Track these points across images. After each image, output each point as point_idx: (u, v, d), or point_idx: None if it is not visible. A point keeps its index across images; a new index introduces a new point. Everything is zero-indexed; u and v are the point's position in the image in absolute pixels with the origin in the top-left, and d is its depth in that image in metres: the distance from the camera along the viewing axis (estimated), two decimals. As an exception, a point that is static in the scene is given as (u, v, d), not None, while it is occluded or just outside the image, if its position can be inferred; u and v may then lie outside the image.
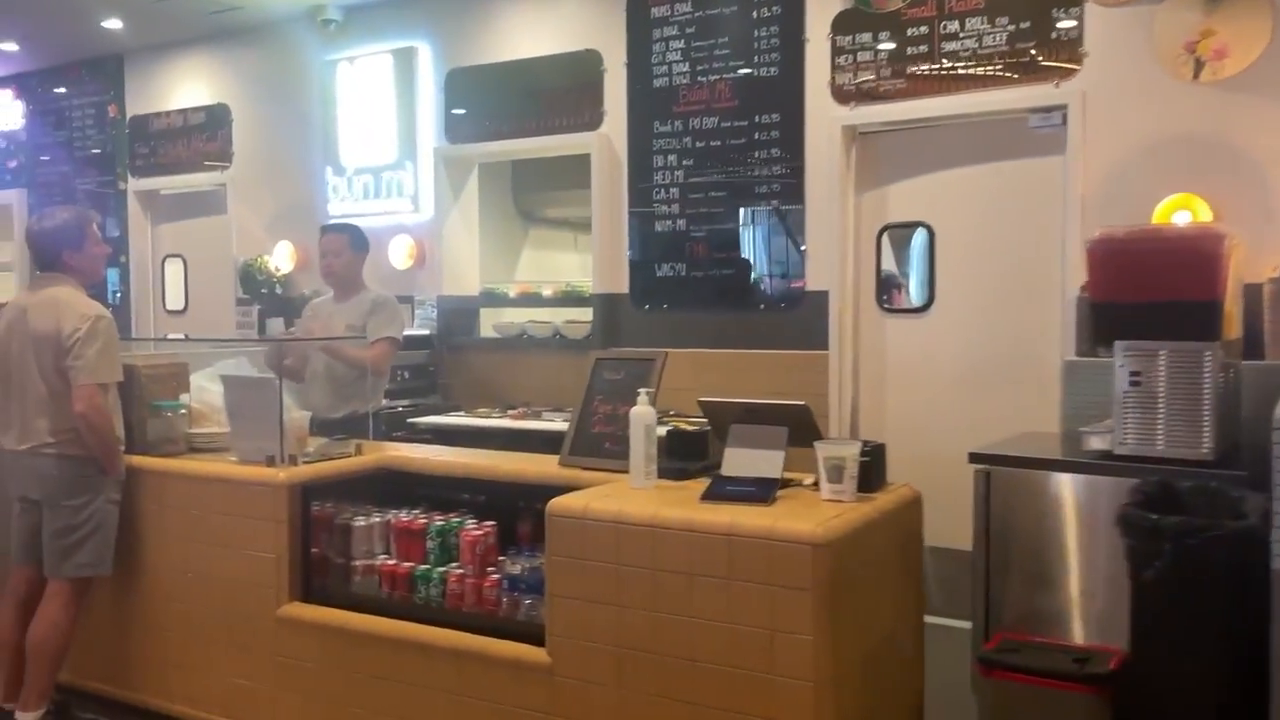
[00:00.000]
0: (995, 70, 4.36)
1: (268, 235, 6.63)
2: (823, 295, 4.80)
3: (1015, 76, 4.33)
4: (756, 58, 4.93)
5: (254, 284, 6.49)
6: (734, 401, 3.00)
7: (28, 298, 3.51)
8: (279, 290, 6.53)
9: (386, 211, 6.11)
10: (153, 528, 3.54)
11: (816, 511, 2.51)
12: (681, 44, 5.13)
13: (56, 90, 7.71)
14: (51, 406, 3.40)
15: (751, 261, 4.99)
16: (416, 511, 3.42)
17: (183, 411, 3.64)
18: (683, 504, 2.66)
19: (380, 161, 6.11)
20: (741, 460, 2.82)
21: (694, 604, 2.51)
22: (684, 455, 3.08)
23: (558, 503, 2.76)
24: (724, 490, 2.71)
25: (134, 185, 7.35)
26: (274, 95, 6.61)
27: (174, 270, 7.40)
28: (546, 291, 5.75)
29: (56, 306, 3.40)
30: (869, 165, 4.78)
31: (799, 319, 4.87)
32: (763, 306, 4.97)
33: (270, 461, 3.31)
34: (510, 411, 5.28)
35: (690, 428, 3.54)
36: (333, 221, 4.83)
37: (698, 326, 5.16)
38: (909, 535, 2.83)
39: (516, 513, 3.35)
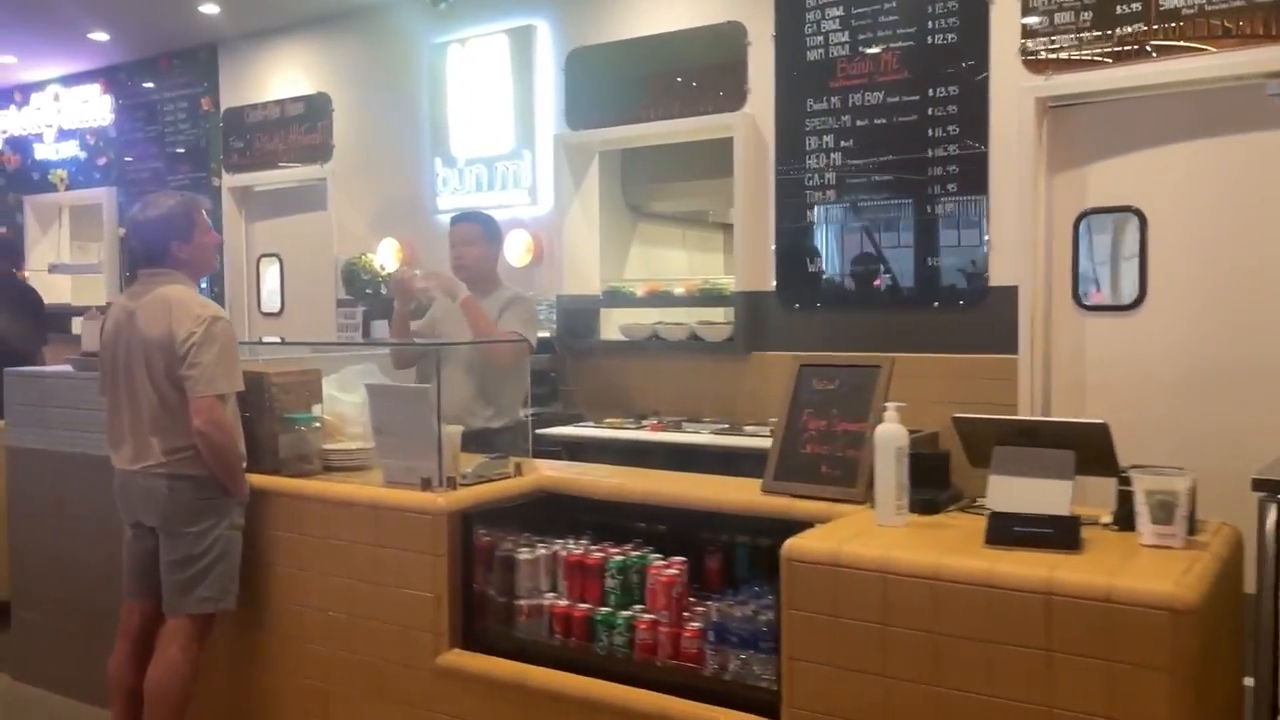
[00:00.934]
0: (1225, 29, 3.76)
1: (371, 232, 6.22)
2: (1010, 291, 4.23)
3: (1252, 36, 3.72)
4: (930, 23, 4.37)
5: (358, 284, 6.08)
6: (1005, 419, 2.46)
7: (134, 298, 3.08)
8: (384, 291, 6.10)
9: (502, 204, 5.65)
10: (285, 558, 3.09)
11: (1161, 564, 1.96)
12: (839, 11, 4.59)
13: (146, 83, 7.41)
14: (166, 420, 2.98)
15: (925, 254, 4.43)
16: (583, 542, 2.94)
17: (317, 425, 3.20)
18: (965, 549, 2.12)
19: (495, 151, 5.66)
20: (1015, 492, 2.27)
21: (994, 681, 1.97)
22: (928, 483, 2.54)
23: (798, 544, 2.24)
24: (1012, 531, 2.17)
25: (228, 181, 7.01)
26: (378, 83, 6.20)
27: (270, 270, 7.04)
28: (678, 290, 5.24)
29: (167, 307, 2.97)
30: (1065, 142, 4.20)
31: (982, 319, 4.30)
32: (938, 305, 4.41)
33: (426, 485, 2.84)
34: (646, 422, 4.79)
35: (926, 450, 2.99)
36: (464, 210, 4.36)
37: (858, 328, 4.61)
38: (1236, 588, 2.26)
39: (702, 546, 2.86)
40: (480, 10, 5.70)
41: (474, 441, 3.63)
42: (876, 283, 4.56)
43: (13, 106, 8.29)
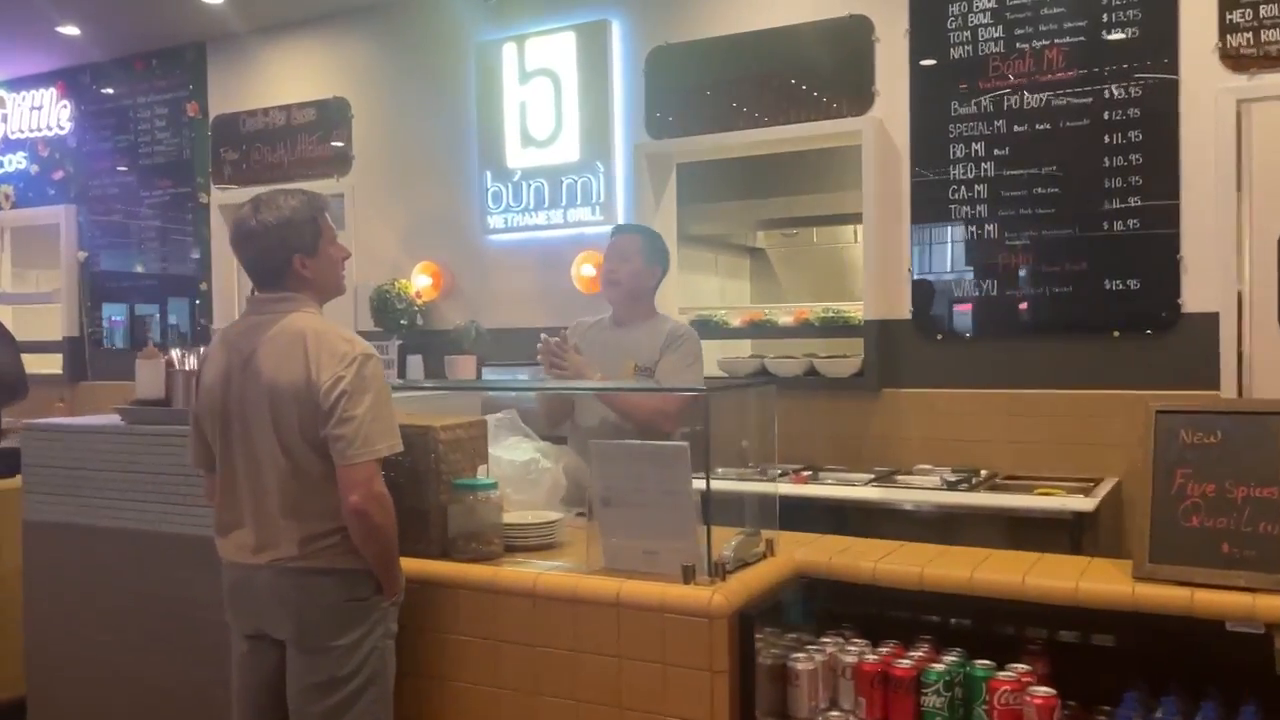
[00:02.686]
0: None
1: (404, 254, 5.44)
2: (1209, 319, 3.73)
3: None
4: (1106, 15, 3.87)
5: (391, 314, 5.28)
6: None
7: (251, 333, 2.29)
8: (420, 321, 5.33)
9: (568, 223, 4.96)
10: (468, 670, 2.33)
11: None
12: (991, 3, 4.06)
13: (116, 87, 6.48)
14: (302, 496, 2.20)
15: (1101, 275, 3.89)
16: (861, 643, 2.28)
17: (496, 495, 2.45)
18: None
19: (559, 161, 4.97)
20: None
21: None
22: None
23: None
24: None
25: (218, 198, 6.13)
26: (411, 86, 5.45)
27: (267, 299, 6.16)
28: (783, 319, 4.61)
29: (301, 344, 2.21)
30: (1272, 149, 3.73)
31: (1174, 349, 3.79)
32: (1118, 334, 3.88)
33: (688, 575, 2.13)
34: (789, 474, 4.10)
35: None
36: (627, 222, 3.55)
37: (1018, 360, 4.05)
38: None
39: (1014, 645, 2.23)
40: (541, 4, 5.03)
41: None
42: (1041, 309, 4.01)
43: (-56, 114, 7.23)
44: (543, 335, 3.10)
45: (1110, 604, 2.09)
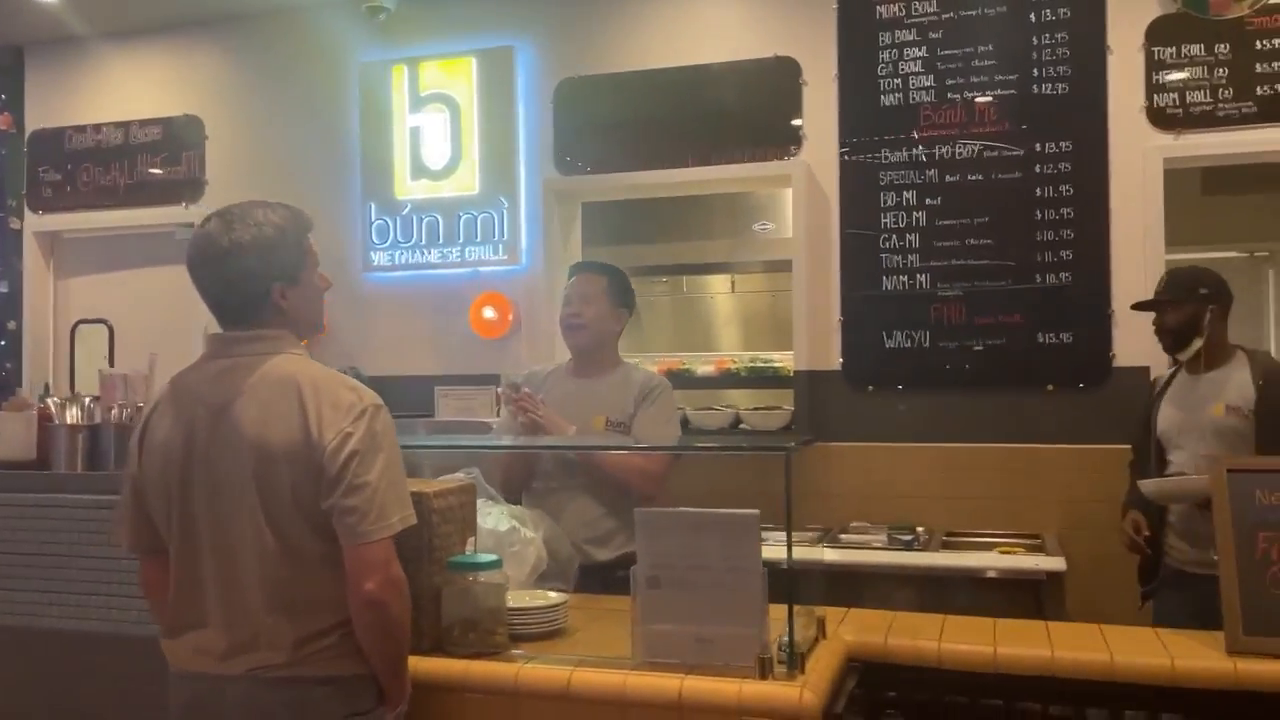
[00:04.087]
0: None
1: (267, 292, 4.84)
2: (1140, 372, 3.76)
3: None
4: (1037, 70, 3.91)
5: (255, 359, 4.66)
6: None
7: (219, 379, 1.80)
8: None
9: (466, 261, 4.55)
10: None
11: None
12: (922, 52, 4.03)
13: (-97, 92, 5.53)
14: (294, 585, 1.73)
15: (1033, 328, 3.88)
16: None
17: (499, 575, 2.04)
18: None
19: (456, 194, 4.56)
20: None
21: None
22: None
23: None
24: None
25: (32, 223, 5.31)
26: (280, 106, 4.90)
27: (92, 342, 5.35)
28: (702, 369, 4.38)
29: (295, 393, 1.75)
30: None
31: (1106, 402, 3.81)
32: (1052, 387, 3.87)
33: (765, 668, 1.81)
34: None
35: None
36: (587, 260, 3.14)
37: (951, 413, 3.97)
38: None
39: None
40: (437, 25, 4.64)
41: (594, 578, 2.63)
42: (973, 361, 3.95)
43: None
44: (504, 384, 2.72)
45: (1210, 682, 1.92)
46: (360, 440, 1.72)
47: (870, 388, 4.08)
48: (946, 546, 3.66)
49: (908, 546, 3.55)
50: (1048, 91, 3.89)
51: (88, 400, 2.53)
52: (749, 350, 4.47)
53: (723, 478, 4.02)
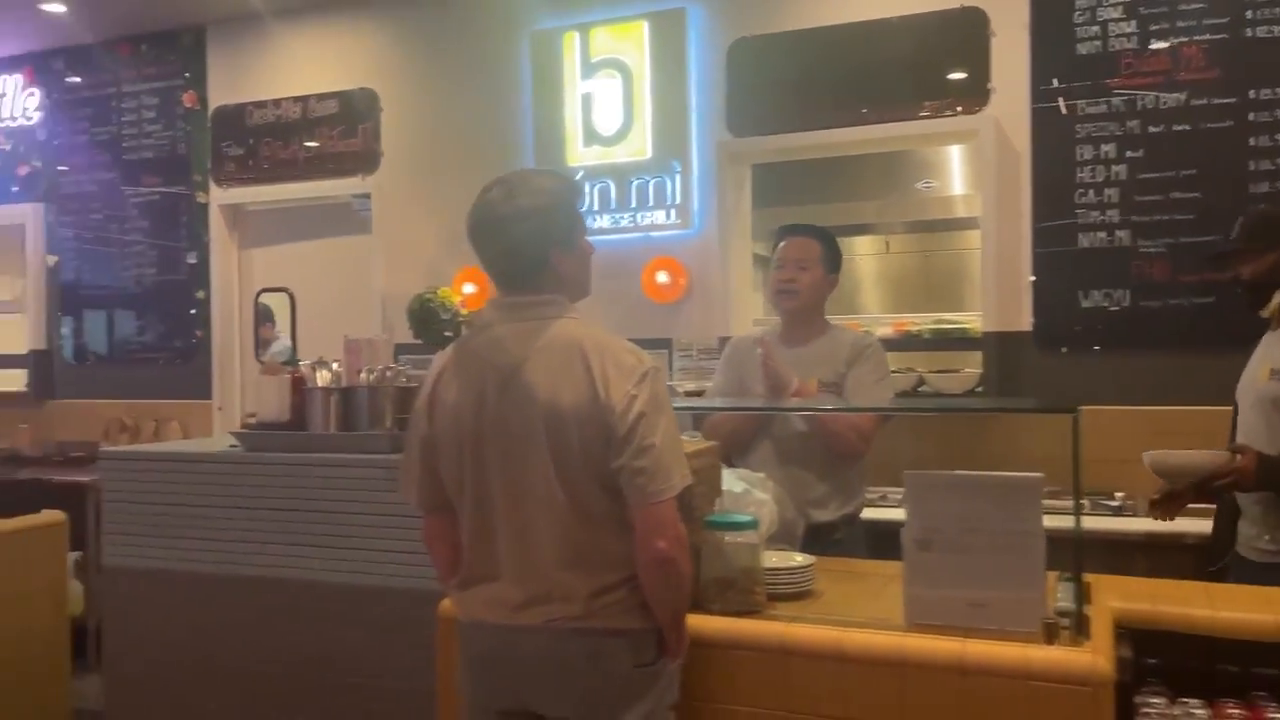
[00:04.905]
0: None
1: (442, 259, 4.97)
2: (1367, 330, 3.54)
3: None
4: (1250, 12, 3.68)
5: (435, 325, 4.78)
6: None
7: (506, 343, 1.85)
8: (458, 332, 4.86)
9: (638, 227, 4.57)
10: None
11: None
12: (1123, -3, 3.85)
13: (95, 74, 5.83)
14: (586, 541, 1.78)
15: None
16: (1187, 703, 1.96)
17: (755, 535, 2.06)
18: None
19: (628, 159, 4.58)
20: None
21: None
22: None
23: None
24: None
25: (218, 197, 5.55)
26: (452, 77, 4.99)
27: (276, 310, 5.59)
28: (881, 330, 4.31)
29: (581, 356, 1.78)
30: None
31: (1327, 362, 3.59)
32: (1265, 346, 3.67)
33: (1051, 633, 1.78)
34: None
35: None
36: (796, 223, 3.10)
37: (1152, 375, 3.82)
38: None
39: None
40: (608, -11, 4.65)
41: (815, 540, 2.63)
42: (1180, 320, 3.79)
43: (-119, 101, 6.43)
44: (759, 349, 2.73)
45: None
46: (646, 402, 1.75)
47: (1064, 349, 3.95)
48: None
49: (1116, 512, 3.44)
50: (1262, 35, 3.67)
51: (334, 365, 2.63)
52: (930, 313, 4.37)
53: (909, 440, 3.99)
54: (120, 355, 5.79)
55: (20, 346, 5.96)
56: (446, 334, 4.85)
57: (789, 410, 2.72)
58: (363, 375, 2.56)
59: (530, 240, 1.86)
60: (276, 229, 5.58)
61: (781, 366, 2.68)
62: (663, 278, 4.51)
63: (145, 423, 5.48)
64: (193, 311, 5.60)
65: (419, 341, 4.86)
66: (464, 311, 4.89)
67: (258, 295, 5.60)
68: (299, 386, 2.57)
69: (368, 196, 5.19)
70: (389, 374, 2.56)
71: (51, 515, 3.38)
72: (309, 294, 5.50)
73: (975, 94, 4.06)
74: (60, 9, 5.26)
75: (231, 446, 2.63)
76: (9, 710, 3.16)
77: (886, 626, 1.90)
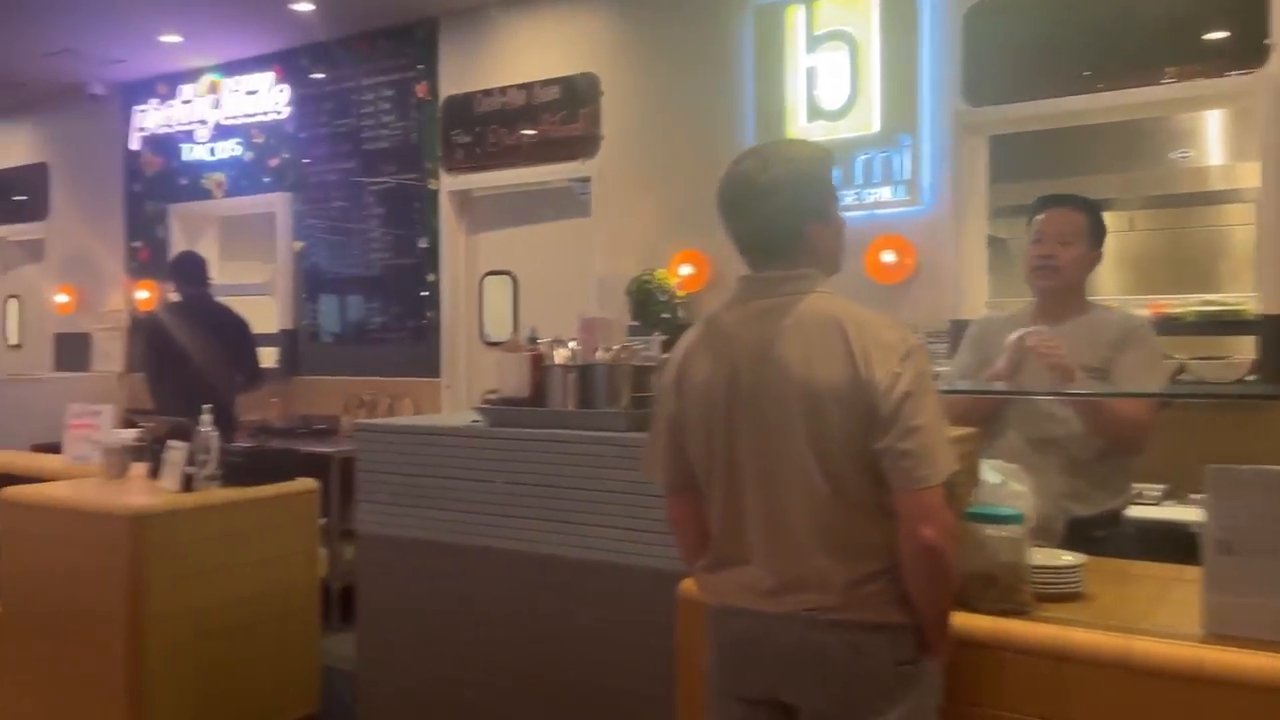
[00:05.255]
0: None
1: (660, 242, 4.98)
2: None
3: None
4: None
5: (652, 307, 4.82)
6: None
7: (757, 318, 1.77)
8: (680, 315, 4.86)
9: (863, 204, 4.41)
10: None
11: None
12: None
13: (337, 69, 6.19)
14: (846, 527, 1.69)
15: None
16: None
17: (1021, 529, 1.91)
18: None
19: (854, 134, 4.41)
20: None
21: None
22: None
23: None
24: None
25: (448, 183, 5.77)
26: (672, 57, 4.98)
27: (496, 291, 5.78)
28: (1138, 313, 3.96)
29: (839, 331, 1.68)
30: None
31: None
32: None
33: (1390, 657, 1.55)
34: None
35: None
36: (1057, 193, 2.90)
37: None
38: None
39: None
40: (833, -41, 4.49)
41: (1075, 536, 2.40)
42: None
43: (154, 101, 7.09)
44: (1027, 331, 2.55)
45: None
46: (911, 381, 1.64)
47: (1356, 335, 3.51)
48: None
49: None
50: None
51: (571, 343, 2.66)
52: (1183, 294, 3.98)
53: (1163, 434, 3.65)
54: (357, 335, 6.14)
55: (271, 326, 6.42)
56: (663, 315, 4.89)
57: (1057, 395, 2.51)
58: (599, 353, 2.57)
59: (785, 212, 1.78)
60: (501, 213, 5.75)
61: (1065, 357, 2.47)
62: (888, 257, 4.33)
63: (380, 399, 5.78)
64: (423, 294, 5.86)
65: (635, 323, 4.92)
66: (680, 293, 4.91)
67: (482, 278, 5.80)
68: (538, 364, 2.61)
69: (587, 180, 5.26)
70: (625, 352, 2.55)
71: (305, 483, 3.60)
72: (530, 276, 5.65)
73: (1249, 52, 3.66)
74: (309, 7, 5.61)
75: (474, 421, 2.70)
76: (270, 664, 3.39)
77: (1177, 635, 1.71)
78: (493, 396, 2.72)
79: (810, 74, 4.51)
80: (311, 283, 6.37)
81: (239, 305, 6.31)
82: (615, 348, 2.56)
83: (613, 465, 2.40)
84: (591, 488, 2.43)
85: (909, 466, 1.61)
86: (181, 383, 5.23)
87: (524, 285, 5.67)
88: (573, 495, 2.45)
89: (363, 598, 2.85)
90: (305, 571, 3.58)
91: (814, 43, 4.49)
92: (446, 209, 5.78)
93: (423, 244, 5.85)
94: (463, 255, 5.83)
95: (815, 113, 4.50)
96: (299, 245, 6.39)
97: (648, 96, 5.07)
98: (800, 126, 4.53)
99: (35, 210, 7.83)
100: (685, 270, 4.86)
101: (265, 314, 6.56)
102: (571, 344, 2.65)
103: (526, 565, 2.50)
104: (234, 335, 5.24)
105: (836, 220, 1.85)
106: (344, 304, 6.23)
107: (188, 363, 5.22)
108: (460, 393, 5.78)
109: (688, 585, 2.02)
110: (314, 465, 4.70)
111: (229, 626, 3.28)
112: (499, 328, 5.74)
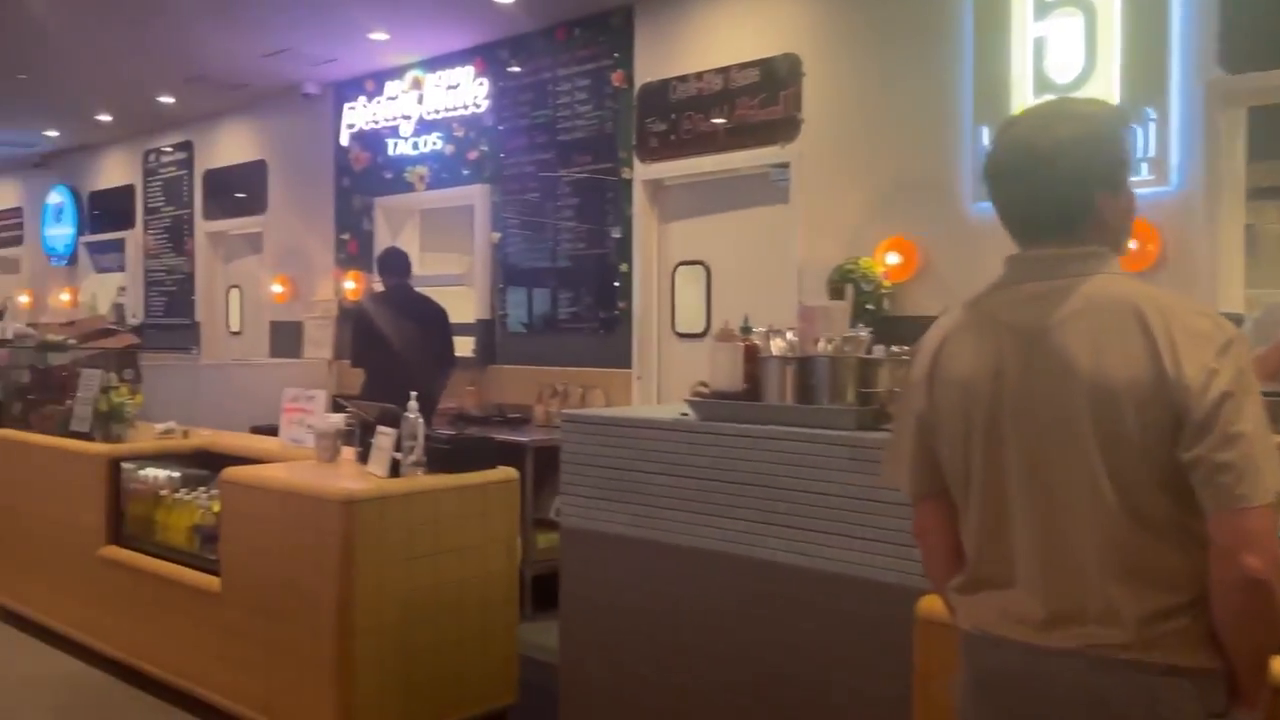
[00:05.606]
0: None
1: (864, 228, 4.72)
2: None
3: None
4: None
5: (856, 297, 4.55)
6: None
7: (1029, 304, 1.52)
8: (886, 306, 4.59)
9: (1098, 185, 4.00)
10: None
11: None
12: None
13: (535, 60, 6.22)
14: (1142, 551, 1.43)
15: None
16: None
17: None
18: None
19: (1089, 110, 4.01)
20: None
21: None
22: None
23: None
24: None
25: (641, 173, 5.68)
26: (881, 33, 4.71)
27: (688, 281, 5.65)
28: None
29: (1138, 320, 1.42)
30: None
31: None
32: None
33: None
34: None
35: None
36: None
37: None
38: None
39: None
40: (1066, -83, 4.10)
41: None
42: None
43: (362, 98, 7.35)
44: None
45: None
46: (1231, 379, 1.37)
47: None
48: None
49: None
50: None
51: (788, 333, 2.48)
52: None
53: None
54: (550, 325, 6.16)
55: (468, 316, 6.53)
56: (868, 306, 4.62)
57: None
58: (820, 344, 2.37)
59: (1071, 179, 1.53)
60: (694, 202, 5.62)
61: None
62: (1130, 244, 3.90)
63: (573, 389, 5.76)
64: (616, 284, 5.81)
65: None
66: (886, 283, 4.63)
67: (675, 268, 5.69)
68: (753, 355, 2.44)
69: (786, 165, 5.05)
70: (849, 343, 2.34)
71: (506, 471, 3.58)
72: (724, 266, 5.50)
73: None
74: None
75: (682, 415, 2.56)
76: (472, 653, 3.38)
77: None
78: (701, 389, 2.57)
79: (1039, 44, 4.14)
80: (507, 273, 6.44)
81: (436, 295, 6.46)
82: (837, 338, 2.36)
83: (838, 467, 2.20)
84: (814, 490, 2.24)
85: (1228, 483, 1.35)
86: (384, 366, 5.40)
87: (717, 275, 5.52)
88: (793, 497, 2.27)
89: (565, 591, 2.77)
90: (505, 560, 3.55)
91: (1043, 9, 4.12)
92: (640, 198, 5.69)
93: (615, 234, 5.80)
94: (655, 245, 5.73)
95: (1044, 86, 4.13)
96: (496, 236, 6.47)
97: (853, 76, 4.82)
98: (1027, 101, 4.16)
99: (255, 205, 8.31)
100: (892, 258, 4.58)
101: (461, 304, 6.69)
102: (789, 334, 2.46)
103: (740, 569, 2.34)
104: (434, 323, 5.36)
105: (1128, 192, 1.59)
106: (538, 294, 6.26)
107: (391, 348, 5.37)
108: (650, 384, 5.70)
109: (929, 604, 1.81)
110: (510, 454, 4.72)
111: (432, 613, 3.28)
112: (691, 319, 5.62)
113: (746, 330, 2.57)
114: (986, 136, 4.29)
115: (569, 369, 5.94)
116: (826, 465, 2.21)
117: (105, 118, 9.02)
